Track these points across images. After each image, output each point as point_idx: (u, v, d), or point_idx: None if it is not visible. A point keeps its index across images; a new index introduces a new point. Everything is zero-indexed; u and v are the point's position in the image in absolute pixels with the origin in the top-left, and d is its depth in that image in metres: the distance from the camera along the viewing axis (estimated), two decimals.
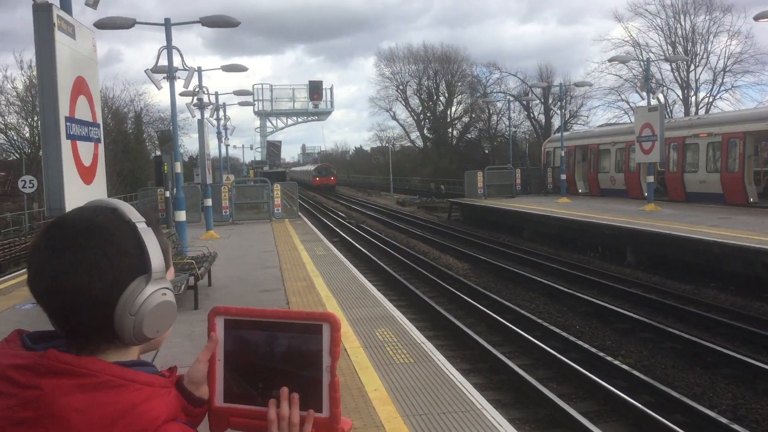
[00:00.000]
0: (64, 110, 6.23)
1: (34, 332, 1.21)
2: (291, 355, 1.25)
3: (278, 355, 1.26)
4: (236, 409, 1.29)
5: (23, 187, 30.08)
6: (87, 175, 6.93)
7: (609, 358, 9.72)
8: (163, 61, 15.69)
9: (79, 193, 6.67)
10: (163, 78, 15.92)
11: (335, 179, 74.40)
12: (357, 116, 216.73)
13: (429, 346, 7.65)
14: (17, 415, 1.03)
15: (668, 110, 45.63)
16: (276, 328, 1.26)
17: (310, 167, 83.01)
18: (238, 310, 1.30)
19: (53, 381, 1.04)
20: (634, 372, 9.07)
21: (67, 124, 6.33)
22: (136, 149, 52.45)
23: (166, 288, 1.17)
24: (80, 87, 6.67)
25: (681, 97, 51.46)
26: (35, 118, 39.94)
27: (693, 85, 50.98)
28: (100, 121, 7.39)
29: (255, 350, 1.28)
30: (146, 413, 1.07)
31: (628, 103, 53.03)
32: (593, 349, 10.23)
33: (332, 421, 1.23)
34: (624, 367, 9.30)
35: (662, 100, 45.97)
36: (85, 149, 6.89)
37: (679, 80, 51.19)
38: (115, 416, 1.04)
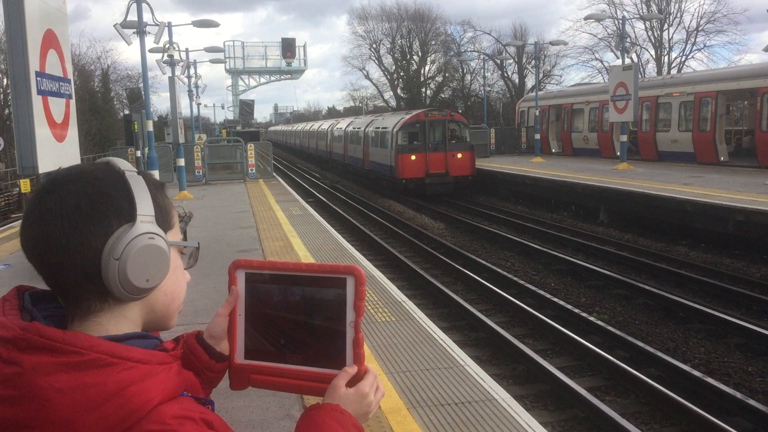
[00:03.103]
0: (34, 65, 6.02)
1: (38, 290, 1.12)
2: (313, 310, 1.21)
3: (300, 310, 1.22)
4: (257, 366, 1.26)
5: None
6: (59, 132, 6.74)
7: (584, 315, 9.88)
8: (133, 16, 15.25)
9: (52, 150, 6.50)
10: (133, 33, 15.49)
11: (471, 158, 25.77)
12: (329, 75, 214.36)
13: (410, 305, 7.68)
14: None
15: (641, 70, 45.84)
16: (298, 281, 1.22)
17: (387, 122, 28.55)
18: (260, 263, 1.26)
19: (35, 358, 0.95)
20: (609, 327, 9.23)
21: (38, 79, 6.12)
22: (104, 108, 51.33)
23: (155, 233, 1.07)
24: (50, 41, 6.44)
25: (654, 56, 51.68)
26: (0, 76, 38.79)
27: (666, 45, 51.19)
28: (71, 76, 7.17)
29: (276, 305, 1.24)
30: (137, 396, 0.97)
31: (602, 62, 53.19)
32: (568, 306, 10.39)
33: (356, 379, 1.21)
34: (599, 323, 9.46)
35: (636, 59, 46.11)
36: (57, 105, 6.69)
37: (653, 39, 51.35)
38: (101, 399, 0.95)
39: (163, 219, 1.11)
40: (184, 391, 1.09)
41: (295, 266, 1.23)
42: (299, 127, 65.36)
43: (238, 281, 1.26)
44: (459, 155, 25.35)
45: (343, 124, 39.23)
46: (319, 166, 45.02)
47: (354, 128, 34.80)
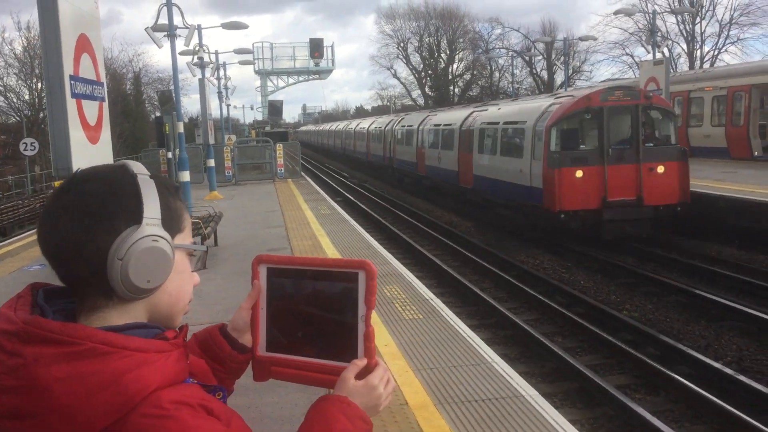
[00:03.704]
0: (68, 69, 6.18)
1: (54, 287, 1.16)
2: (328, 304, 1.24)
3: (316, 304, 1.25)
4: (278, 358, 1.29)
5: (24, 149, 30.03)
6: (93, 134, 6.90)
7: (614, 312, 9.81)
8: (163, 20, 15.49)
9: (86, 152, 6.66)
10: (164, 36, 15.74)
11: (682, 173, 14.62)
12: (357, 75, 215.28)
13: (437, 302, 7.70)
14: (2, 383, 0.99)
15: (673, 64, 45.18)
16: (315, 276, 1.25)
17: (516, 112, 17.16)
18: (281, 258, 1.29)
19: (36, 349, 1.00)
20: (639, 325, 9.16)
21: (72, 82, 6.28)
22: (136, 110, 52.19)
23: (159, 236, 1.10)
24: (83, 45, 6.60)
25: (686, 50, 50.91)
26: (34, 80, 39.69)
27: (698, 39, 50.37)
28: (104, 80, 7.34)
29: (295, 299, 1.27)
30: (133, 382, 1.00)
31: (632, 57, 52.51)
32: (598, 304, 10.32)
33: (366, 372, 1.23)
34: (629, 320, 9.39)
35: (667, 54, 45.45)
36: (90, 108, 6.85)
37: (685, 33, 50.57)
38: (99, 386, 0.98)
39: (172, 222, 1.14)
40: (191, 378, 1.12)
41: (312, 261, 1.27)
42: (338, 126, 56.33)
43: (261, 276, 1.29)
44: (660, 168, 14.46)
45: (413, 120, 28.74)
46: (373, 176, 36.43)
47: (436, 125, 23.94)
